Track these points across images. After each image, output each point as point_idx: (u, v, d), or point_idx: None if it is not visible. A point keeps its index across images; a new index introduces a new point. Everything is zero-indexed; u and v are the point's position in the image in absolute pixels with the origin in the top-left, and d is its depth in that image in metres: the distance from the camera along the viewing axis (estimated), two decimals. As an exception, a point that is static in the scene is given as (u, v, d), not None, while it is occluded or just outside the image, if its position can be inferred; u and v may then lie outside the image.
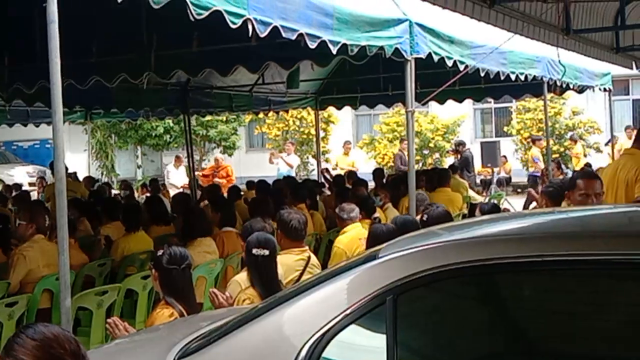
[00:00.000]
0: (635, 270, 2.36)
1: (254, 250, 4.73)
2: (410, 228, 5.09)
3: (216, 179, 17.02)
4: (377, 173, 13.14)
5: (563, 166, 17.80)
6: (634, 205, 4.39)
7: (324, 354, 2.64)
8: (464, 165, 16.75)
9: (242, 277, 5.04)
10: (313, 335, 2.66)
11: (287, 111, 17.77)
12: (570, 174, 14.62)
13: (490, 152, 18.18)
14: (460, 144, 17.83)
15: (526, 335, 2.61)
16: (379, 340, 2.57)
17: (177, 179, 17.52)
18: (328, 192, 11.61)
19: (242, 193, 11.71)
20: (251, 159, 26.47)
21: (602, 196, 4.83)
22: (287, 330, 2.81)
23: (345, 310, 2.64)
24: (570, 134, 22.05)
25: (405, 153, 18.26)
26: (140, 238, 7.56)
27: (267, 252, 4.73)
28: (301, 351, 2.65)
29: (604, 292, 2.53)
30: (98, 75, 8.04)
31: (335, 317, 2.65)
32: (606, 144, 18.86)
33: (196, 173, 17.06)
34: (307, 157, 23.43)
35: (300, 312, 2.79)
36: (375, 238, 5.22)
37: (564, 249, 2.53)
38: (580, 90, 12.75)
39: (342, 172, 15.06)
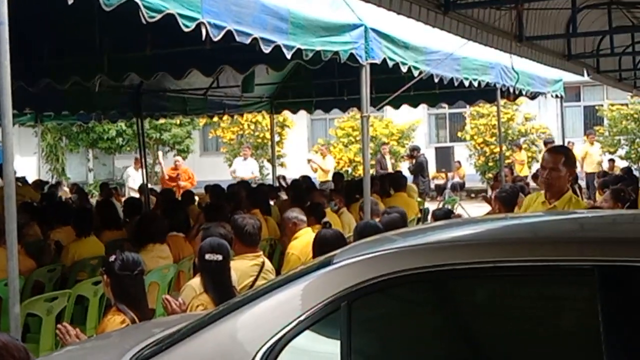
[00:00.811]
0: (585, 277, 2.38)
1: (207, 256, 4.69)
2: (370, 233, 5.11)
3: (180, 182, 16.80)
4: (337, 177, 13.15)
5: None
6: (587, 211, 4.46)
7: (279, 358, 2.62)
8: (418, 170, 16.88)
9: (197, 282, 4.99)
10: (267, 341, 2.64)
11: (242, 115, 17.70)
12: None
13: (445, 157, 18.35)
14: (415, 149, 17.96)
15: (480, 341, 2.62)
16: (334, 347, 2.56)
17: (137, 182, 17.31)
18: (284, 197, 11.57)
19: (196, 198, 11.63)
20: (205, 162, 26.30)
21: (556, 172, 4.84)
22: (241, 337, 2.78)
23: (299, 317, 2.63)
24: (516, 141, 22.39)
25: (387, 157, 18.38)
26: (92, 243, 7.44)
27: (220, 258, 4.69)
28: (255, 358, 2.62)
29: (555, 298, 2.55)
30: (49, 78, 7.93)
31: (290, 324, 2.63)
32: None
33: (160, 177, 16.94)
34: (262, 162, 23.36)
35: (254, 318, 2.76)
36: (321, 243, 5.22)
37: (515, 255, 2.55)
38: (533, 96, 12.95)
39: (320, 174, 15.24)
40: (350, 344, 2.52)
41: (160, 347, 2.90)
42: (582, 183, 17.18)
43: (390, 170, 17.17)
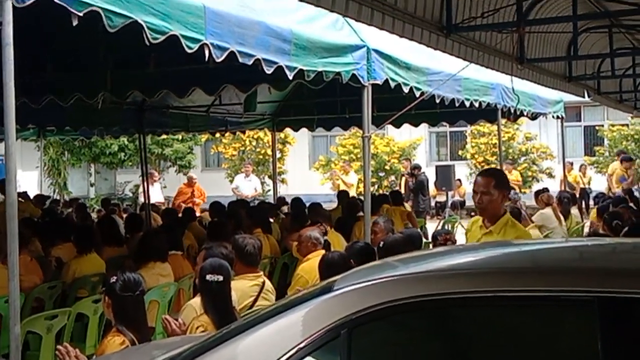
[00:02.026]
0: (585, 308, 2.39)
1: (208, 276, 4.70)
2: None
3: (195, 199, 16.75)
4: (341, 195, 13.11)
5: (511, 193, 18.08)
6: (587, 239, 4.46)
7: (279, 386, 2.62)
8: (419, 188, 16.88)
9: (197, 302, 5.00)
10: (268, 367, 2.64)
11: (243, 131, 17.75)
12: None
13: (445, 176, 18.35)
14: (416, 167, 17.98)
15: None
16: (334, 374, 2.56)
17: (153, 197, 17.30)
18: (283, 215, 11.59)
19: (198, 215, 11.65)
20: (207, 178, 26.32)
21: (487, 196, 4.76)
22: (243, 361, 2.78)
23: (300, 343, 2.63)
24: (523, 158, 22.40)
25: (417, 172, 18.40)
26: (92, 260, 7.44)
27: (221, 278, 4.70)
28: (256, 383, 2.63)
29: (555, 329, 2.55)
30: (52, 94, 7.96)
31: (290, 350, 2.63)
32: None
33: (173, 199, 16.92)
34: (264, 177, 23.37)
35: (254, 344, 2.77)
36: (327, 266, 5.22)
37: (515, 284, 2.55)
38: (534, 117, 12.99)
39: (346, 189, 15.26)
40: (350, 372, 2.52)
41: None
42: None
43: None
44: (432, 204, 20.10)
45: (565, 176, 17.66)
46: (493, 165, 21.98)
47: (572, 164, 19.20)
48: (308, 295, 2.91)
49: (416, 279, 2.76)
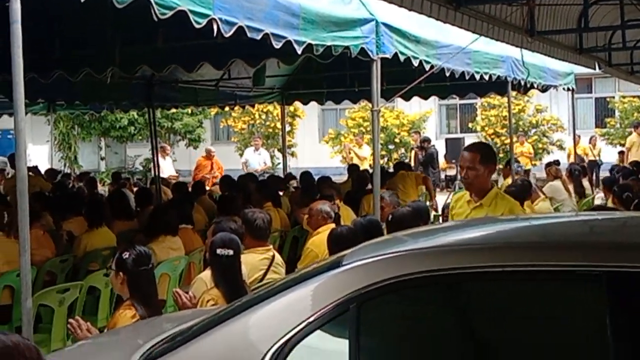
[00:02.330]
0: (593, 282, 2.40)
1: (218, 250, 4.73)
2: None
3: (215, 173, 16.73)
4: (351, 168, 13.12)
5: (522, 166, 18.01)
6: (597, 213, 4.46)
7: (289, 359, 2.65)
8: (429, 161, 16.88)
9: (207, 275, 5.03)
10: (277, 341, 2.67)
11: (253, 105, 17.72)
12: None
13: (455, 148, 18.32)
14: (425, 140, 17.95)
15: (487, 344, 2.64)
16: (343, 347, 2.59)
17: (166, 171, 17.35)
18: (292, 189, 11.61)
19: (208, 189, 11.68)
20: (217, 151, 26.36)
21: (473, 171, 4.76)
22: (251, 336, 2.82)
23: (309, 317, 2.66)
24: (533, 130, 22.31)
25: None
26: (103, 234, 7.50)
27: (231, 252, 4.73)
28: (265, 357, 2.66)
29: (565, 303, 2.57)
30: (61, 70, 7.95)
31: (300, 324, 2.66)
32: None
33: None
34: (273, 151, 23.38)
35: (264, 318, 2.80)
36: (336, 240, 5.23)
37: (525, 259, 2.57)
38: (544, 89, 12.92)
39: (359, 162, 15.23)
40: (359, 346, 2.55)
41: (171, 345, 2.94)
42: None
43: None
44: (442, 176, 20.08)
45: (574, 148, 17.60)
46: (503, 138, 21.92)
47: (579, 136, 19.06)
48: (317, 270, 2.93)
49: (425, 254, 2.78)
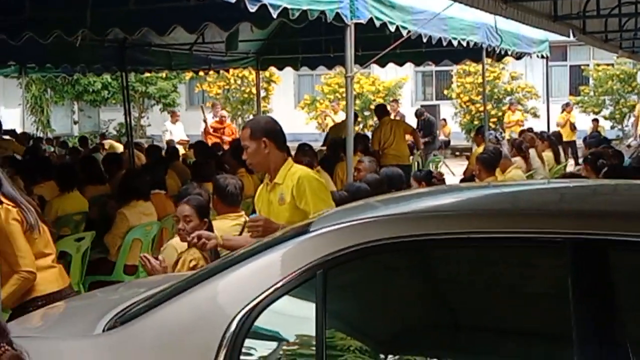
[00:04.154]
0: (556, 249, 2.43)
1: None
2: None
3: (225, 137, 16.56)
4: (326, 135, 13.14)
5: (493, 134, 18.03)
6: (569, 181, 4.49)
7: (256, 323, 2.67)
8: (428, 129, 16.98)
9: (177, 241, 5.03)
10: (245, 306, 2.69)
11: (227, 70, 17.59)
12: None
13: (431, 115, 18.36)
14: (422, 114, 17.95)
15: (454, 309, 2.67)
16: (310, 312, 2.61)
17: (176, 135, 17.27)
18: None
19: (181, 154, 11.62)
20: (191, 116, 26.22)
21: (250, 149, 4.46)
22: (220, 301, 2.83)
23: (277, 283, 2.67)
24: (508, 98, 22.34)
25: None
26: (75, 198, 7.45)
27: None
28: (233, 321, 2.68)
29: (529, 269, 2.61)
30: (31, 31, 7.83)
31: (268, 289, 2.68)
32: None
33: (204, 129, 16.82)
34: (248, 117, 23.27)
35: (232, 284, 2.81)
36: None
37: (489, 226, 2.59)
38: (519, 56, 12.95)
39: None
40: (325, 311, 2.57)
41: (138, 311, 2.94)
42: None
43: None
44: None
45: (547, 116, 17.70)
46: (478, 105, 21.96)
47: (515, 103, 19.08)
48: (285, 236, 2.94)
49: (391, 221, 2.80)
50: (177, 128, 17.82)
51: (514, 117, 19.40)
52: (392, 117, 18.63)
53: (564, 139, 17.85)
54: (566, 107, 19.11)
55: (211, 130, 16.77)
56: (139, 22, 7.89)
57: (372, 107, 23.30)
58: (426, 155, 15.62)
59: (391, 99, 23.49)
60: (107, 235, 6.82)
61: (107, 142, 17.08)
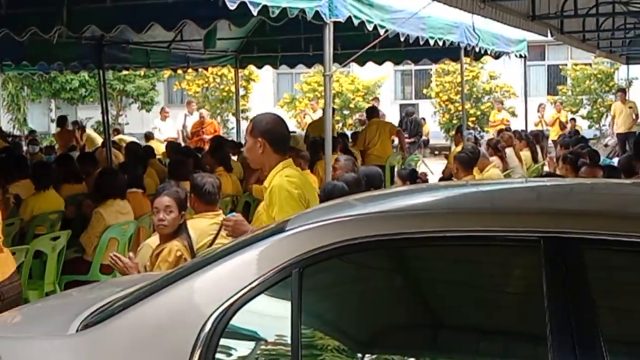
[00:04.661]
0: (531, 247, 2.43)
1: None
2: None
3: (205, 136, 16.43)
4: (305, 134, 13.13)
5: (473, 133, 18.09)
6: (547, 179, 4.50)
7: (232, 322, 2.66)
8: (415, 129, 17.06)
9: (154, 240, 5.00)
10: (221, 305, 2.67)
11: (206, 68, 17.52)
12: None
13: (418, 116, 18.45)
14: (409, 113, 18.01)
15: (430, 308, 2.68)
16: (285, 312, 2.60)
17: (165, 133, 17.07)
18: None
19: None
20: (170, 115, 26.11)
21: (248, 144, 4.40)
22: (195, 300, 2.81)
23: (253, 282, 2.66)
24: (487, 97, 22.43)
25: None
26: (51, 197, 7.40)
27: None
28: (208, 320, 2.66)
29: (504, 267, 2.61)
30: (7, 28, 7.74)
31: (243, 289, 2.66)
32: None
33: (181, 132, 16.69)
34: (227, 115, 23.21)
35: (208, 283, 2.79)
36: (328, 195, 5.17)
37: (465, 225, 2.59)
38: (497, 56, 13.02)
39: None
40: (301, 310, 2.56)
41: (113, 309, 2.92)
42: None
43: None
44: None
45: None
46: (457, 104, 22.04)
47: (501, 102, 19.21)
48: (262, 235, 2.93)
49: (367, 219, 2.79)
50: (166, 125, 17.56)
51: (499, 116, 19.39)
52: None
53: (552, 138, 17.97)
54: (539, 108, 19.27)
55: (190, 137, 16.68)
56: (116, 20, 7.82)
57: (352, 105, 23.39)
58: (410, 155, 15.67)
59: (371, 97, 23.55)
60: (84, 234, 6.77)
61: (86, 134, 16.98)
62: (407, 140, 14.95)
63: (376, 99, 21.15)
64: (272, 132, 4.38)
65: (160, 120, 17.90)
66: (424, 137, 21.34)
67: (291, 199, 4.23)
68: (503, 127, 16.08)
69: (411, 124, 17.18)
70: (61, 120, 17.23)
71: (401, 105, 20.25)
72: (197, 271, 2.86)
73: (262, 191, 4.74)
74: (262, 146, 4.34)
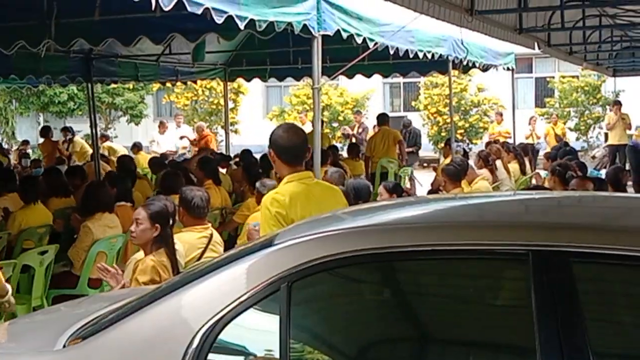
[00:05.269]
0: (520, 261, 2.44)
1: None
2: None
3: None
4: None
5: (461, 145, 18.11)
6: (535, 192, 4.51)
7: (220, 337, 2.65)
8: (413, 141, 17.09)
9: (141, 254, 4.98)
10: (209, 320, 2.67)
11: (195, 81, 17.52)
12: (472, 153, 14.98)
13: (398, 127, 18.45)
14: (406, 125, 18.04)
15: (419, 322, 2.67)
16: (274, 326, 2.59)
17: (163, 146, 16.94)
18: (235, 166, 11.55)
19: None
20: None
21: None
22: (183, 315, 2.80)
23: (241, 296, 2.65)
24: (479, 109, 22.42)
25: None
26: (39, 211, 7.37)
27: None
28: (196, 335, 2.65)
29: (493, 281, 2.61)
30: (-5, 42, 7.74)
31: (232, 303, 2.66)
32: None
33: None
34: (216, 128, 23.19)
35: (196, 297, 2.78)
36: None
37: (453, 238, 2.59)
38: (485, 69, 13.08)
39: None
40: (290, 324, 2.55)
41: (101, 324, 2.90)
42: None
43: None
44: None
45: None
46: (445, 117, 22.10)
47: (501, 114, 19.20)
48: (250, 249, 2.92)
49: (356, 233, 2.79)
50: (164, 138, 17.38)
51: (498, 128, 19.28)
52: (355, 129, 18.86)
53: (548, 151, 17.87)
54: (531, 120, 19.31)
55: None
56: (105, 33, 7.83)
57: (340, 118, 23.41)
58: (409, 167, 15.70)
59: (360, 109, 23.59)
60: (71, 248, 6.73)
61: (77, 143, 16.90)
62: (406, 150, 15.05)
63: (358, 112, 21.13)
64: (278, 142, 4.22)
65: (158, 133, 17.73)
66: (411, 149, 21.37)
67: (269, 217, 4.10)
68: (503, 139, 16.09)
69: (409, 135, 17.26)
70: (45, 131, 17.15)
71: (390, 118, 20.21)
72: (185, 285, 2.85)
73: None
74: (272, 157, 4.25)
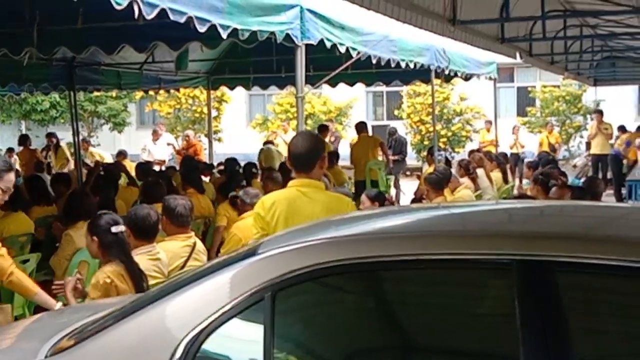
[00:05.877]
0: (503, 270, 2.45)
1: (113, 229, 4.70)
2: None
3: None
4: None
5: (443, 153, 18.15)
6: (518, 201, 4.53)
7: (204, 347, 2.64)
8: (398, 149, 17.12)
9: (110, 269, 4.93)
10: (192, 330, 2.65)
11: (178, 89, 17.48)
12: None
13: (381, 136, 18.49)
14: (392, 132, 18.08)
15: (403, 332, 2.67)
16: (258, 336, 2.58)
17: (156, 154, 16.76)
18: (218, 175, 11.53)
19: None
20: (142, 136, 25.98)
21: None
22: (166, 325, 2.79)
23: (224, 306, 2.64)
24: (461, 117, 22.52)
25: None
26: (20, 219, 7.30)
27: (123, 228, 4.75)
28: (179, 345, 2.64)
29: (477, 290, 2.62)
30: (-24, 50, 7.70)
31: (215, 313, 2.64)
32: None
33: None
34: (199, 137, 23.14)
35: (179, 307, 2.77)
36: None
37: (436, 248, 2.60)
38: (467, 78, 13.16)
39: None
40: (273, 334, 2.54)
41: (83, 335, 2.88)
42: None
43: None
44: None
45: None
46: (428, 125, 22.19)
47: (491, 122, 19.22)
48: (234, 259, 2.91)
49: (339, 243, 2.79)
50: (156, 147, 17.18)
51: (488, 136, 19.18)
52: (327, 138, 18.90)
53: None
54: (515, 129, 19.38)
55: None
56: (87, 41, 7.81)
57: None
58: (395, 174, 15.70)
59: (343, 119, 23.65)
60: (53, 257, 6.68)
61: (63, 148, 16.80)
62: (392, 158, 15.21)
63: (330, 120, 21.11)
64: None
65: (151, 141, 17.56)
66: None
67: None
68: (493, 147, 16.11)
69: (395, 143, 17.32)
70: (23, 139, 17.05)
71: (373, 127, 20.29)
72: (168, 295, 2.84)
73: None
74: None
